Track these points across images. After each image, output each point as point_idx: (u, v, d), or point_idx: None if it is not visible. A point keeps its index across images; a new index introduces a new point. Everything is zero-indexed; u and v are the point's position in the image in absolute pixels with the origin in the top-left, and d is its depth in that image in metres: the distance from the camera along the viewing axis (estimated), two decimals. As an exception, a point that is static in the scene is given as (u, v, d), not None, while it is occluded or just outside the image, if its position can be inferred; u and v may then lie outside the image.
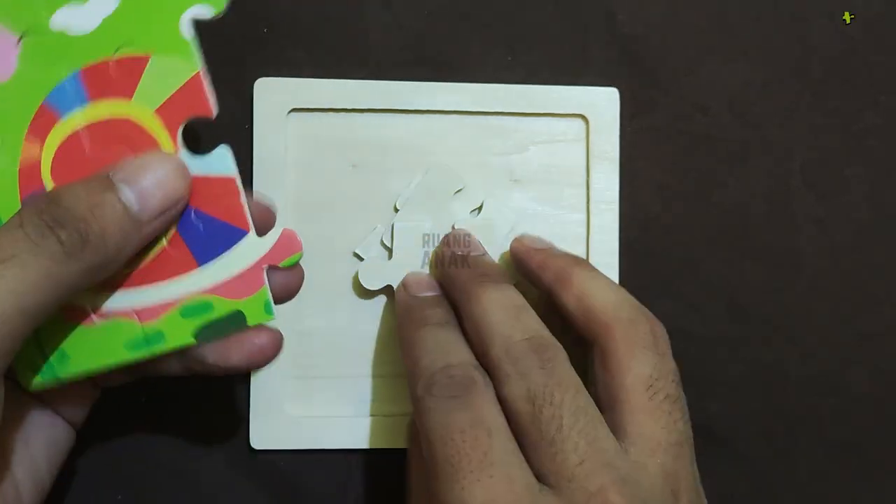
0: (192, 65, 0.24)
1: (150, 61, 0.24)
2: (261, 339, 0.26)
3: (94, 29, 0.24)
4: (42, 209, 0.22)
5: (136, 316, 0.25)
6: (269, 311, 0.26)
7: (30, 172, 0.24)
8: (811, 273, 0.34)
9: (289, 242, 0.25)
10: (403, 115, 0.33)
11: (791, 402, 0.34)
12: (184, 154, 0.25)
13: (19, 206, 0.24)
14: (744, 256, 0.34)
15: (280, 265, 0.25)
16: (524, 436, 0.24)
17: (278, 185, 0.32)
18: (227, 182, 0.25)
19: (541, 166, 0.33)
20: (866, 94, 0.35)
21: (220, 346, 0.26)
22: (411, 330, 0.28)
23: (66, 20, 0.24)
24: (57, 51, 0.24)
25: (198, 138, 0.26)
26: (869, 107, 0.35)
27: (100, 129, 0.24)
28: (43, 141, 0.24)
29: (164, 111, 0.25)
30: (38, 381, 0.25)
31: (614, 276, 0.33)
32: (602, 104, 0.33)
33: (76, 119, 0.24)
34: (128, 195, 0.23)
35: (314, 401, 0.32)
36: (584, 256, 0.33)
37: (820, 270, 0.34)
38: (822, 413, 0.34)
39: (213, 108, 0.25)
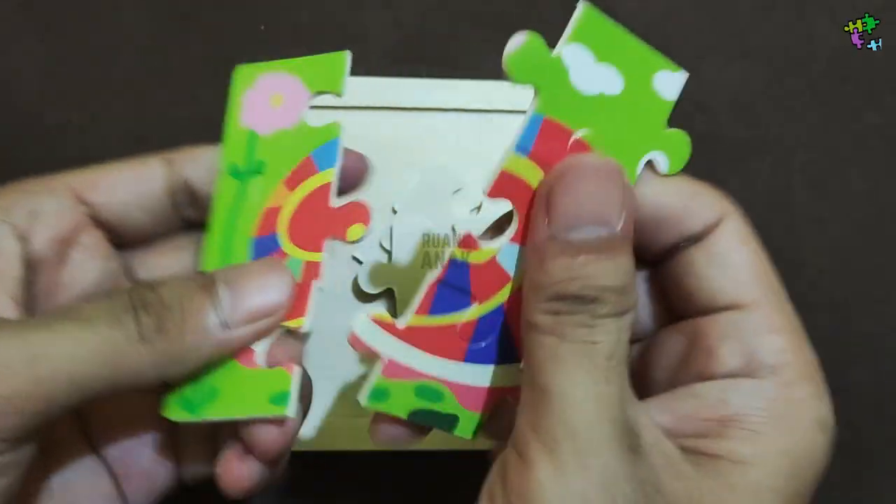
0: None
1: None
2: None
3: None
4: (137, 288, 0.21)
5: (381, 366, 0.23)
6: (475, 434, 0.24)
7: (270, 215, 0.23)
8: (811, 273, 0.34)
9: None
10: (402, 113, 0.32)
11: (791, 402, 0.34)
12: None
13: (249, 243, 0.23)
14: (744, 256, 0.34)
15: None
16: None
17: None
18: None
19: (542, 166, 0.33)
20: (866, 94, 0.35)
21: None
22: None
23: None
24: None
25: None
26: (869, 107, 0.35)
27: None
28: (293, 189, 0.23)
29: None
30: (180, 414, 0.22)
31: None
32: (604, 103, 0.33)
33: None
34: (223, 294, 0.21)
35: (313, 404, 0.32)
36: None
37: (820, 270, 0.34)
38: (823, 413, 0.34)
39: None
